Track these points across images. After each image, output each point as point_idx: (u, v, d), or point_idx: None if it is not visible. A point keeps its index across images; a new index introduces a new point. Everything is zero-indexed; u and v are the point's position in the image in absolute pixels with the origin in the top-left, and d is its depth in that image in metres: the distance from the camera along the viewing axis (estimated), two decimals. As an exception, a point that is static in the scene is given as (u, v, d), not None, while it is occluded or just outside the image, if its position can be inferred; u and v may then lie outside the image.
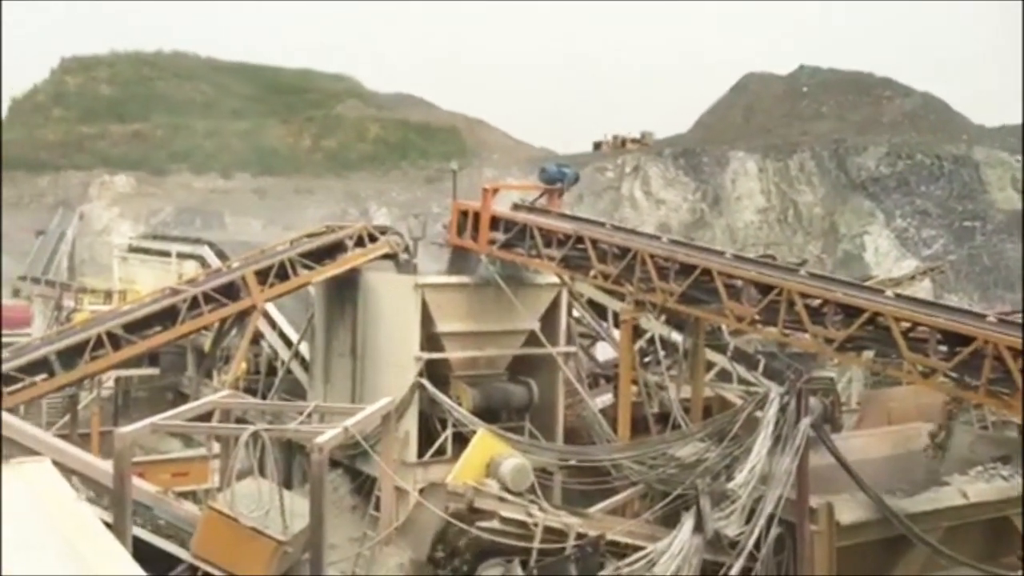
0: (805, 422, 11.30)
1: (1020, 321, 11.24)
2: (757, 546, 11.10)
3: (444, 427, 15.91)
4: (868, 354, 12.54)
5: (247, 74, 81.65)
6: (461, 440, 14.78)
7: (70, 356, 16.41)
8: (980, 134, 63.93)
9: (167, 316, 17.24)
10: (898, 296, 12.17)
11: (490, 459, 12.46)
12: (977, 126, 66.29)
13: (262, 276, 17.75)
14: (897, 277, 35.59)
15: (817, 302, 12.28)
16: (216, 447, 14.60)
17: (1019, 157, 58.77)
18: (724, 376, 19.72)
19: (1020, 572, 12.70)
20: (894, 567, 11.85)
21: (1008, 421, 17.44)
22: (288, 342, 20.81)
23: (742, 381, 19.47)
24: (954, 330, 10.83)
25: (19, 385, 15.98)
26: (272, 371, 21.16)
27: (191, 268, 25.81)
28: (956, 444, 13.19)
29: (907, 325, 11.37)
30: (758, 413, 11.76)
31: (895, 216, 59.21)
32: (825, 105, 70.22)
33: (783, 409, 11.50)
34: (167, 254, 29.38)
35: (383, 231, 19.14)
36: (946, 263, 48.15)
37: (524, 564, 10.19)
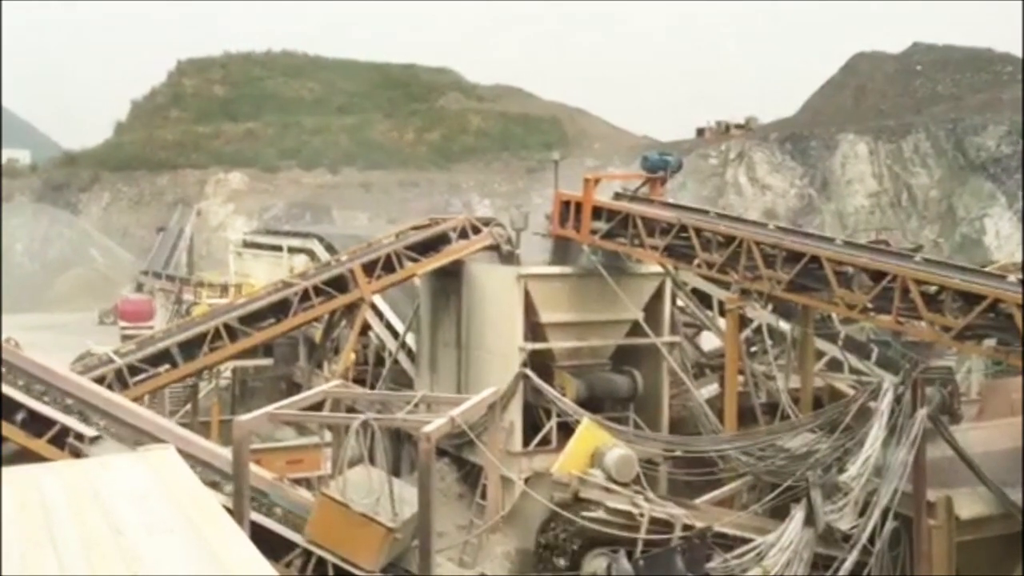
0: (921, 413, 10.94)
1: None
2: (871, 540, 10.80)
3: (548, 417, 15.95)
4: (989, 342, 12.03)
5: (352, 71, 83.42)
6: (566, 430, 14.80)
7: (190, 348, 17.15)
8: (1112, 109, 60.25)
9: (280, 309, 17.82)
10: (1021, 281, 11.63)
11: (595, 449, 12.45)
12: (1108, 100, 62.47)
13: (369, 269, 18.15)
14: (1020, 261, 33.95)
15: (933, 289, 11.85)
16: (328, 435, 15.02)
17: None
18: (834, 366, 19.20)
19: None
20: (1017, 564, 11.36)
21: None
22: (395, 333, 21.21)
23: (854, 371, 18.92)
24: (1083, 317, 10.30)
25: (144, 375, 16.77)
26: (380, 361, 21.61)
27: (302, 262, 26.56)
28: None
29: (1032, 312, 10.86)
30: (871, 404, 11.43)
31: (1017, 197, 56.44)
32: (941, 84, 67.47)
33: (898, 399, 11.15)
34: (279, 248, 30.30)
35: (486, 223, 19.31)
36: (1074, 246, 45.66)
37: (630, 555, 10.16)
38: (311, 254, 27.09)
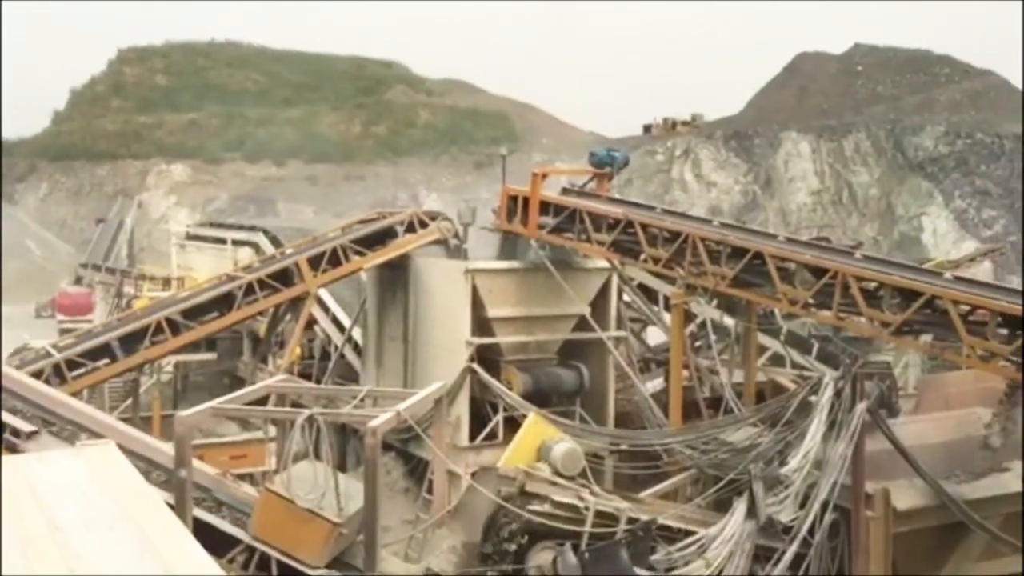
0: (861, 407, 11.17)
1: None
2: (811, 532, 11.01)
3: (495, 411, 15.99)
4: (926, 338, 12.33)
5: (297, 62, 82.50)
6: (512, 424, 14.85)
7: (131, 342, 16.83)
8: (1043, 112, 62.07)
9: (223, 302, 17.58)
10: (957, 279, 11.94)
11: (541, 443, 12.50)
12: (1040, 103, 64.35)
13: (315, 262, 17.99)
14: (956, 259, 34.87)
15: (873, 285, 12.10)
16: (272, 430, 14.86)
17: (1084, 135, 57.07)
18: (777, 360, 19.53)
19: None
20: (952, 554, 11.68)
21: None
22: (341, 327, 21.06)
23: (796, 365, 19.26)
24: (1015, 313, 10.60)
25: (83, 370, 16.42)
26: (325, 356, 21.45)
27: (246, 255, 26.22)
28: (1017, 429, 12.90)
29: (966, 308, 11.16)
30: (812, 398, 11.64)
31: (954, 197, 57.92)
32: (881, 84, 68.89)
33: (838, 394, 11.37)
34: (223, 241, 29.87)
35: (433, 217, 19.26)
36: (1007, 244, 47.04)
37: (575, 548, 10.22)
38: (256, 247, 26.77)
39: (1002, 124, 59.87)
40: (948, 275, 12.16)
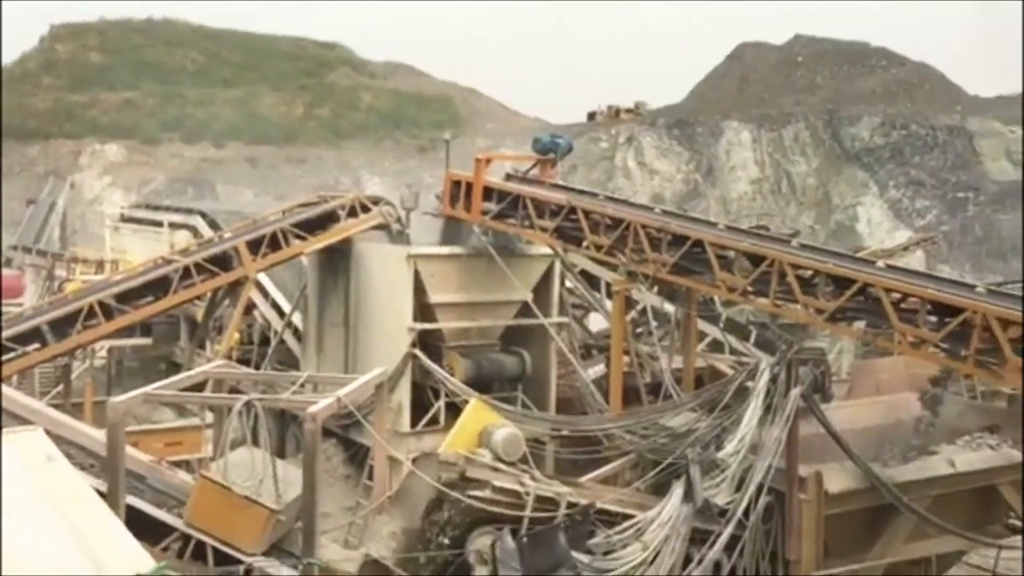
0: (795, 392, 11.38)
1: (1010, 292, 11.30)
2: (746, 514, 11.21)
3: (437, 397, 15.98)
4: (859, 325, 12.59)
5: (238, 42, 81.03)
6: (454, 410, 14.84)
7: (62, 326, 16.41)
8: (975, 105, 63.88)
9: (159, 286, 17.23)
10: (889, 267, 12.21)
11: (482, 429, 12.52)
12: (972, 96, 66.23)
13: (254, 246, 17.73)
14: (890, 248, 35.69)
15: (808, 273, 12.31)
16: (209, 417, 14.65)
17: (1014, 128, 58.73)
18: (716, 347, 19.82)
19: (1005, 540, 12.88)
20: (881, 535, 11.98)
21: (997, 391, 17.58)
22: (281, 312, 20.82)
23: (734, 352, 19.58)
24: (944, 301, 10.89)
25: (12, 355, 15.99)
26: (265, 341, 21.19)
27: (183, 238, 25.72)
28: (945, 414, 13.28)
29: (898, 296, 11.42)
30: (749, 383, 11.83)
31: (888, 187, 59.26)
32: (820, 75, 70.07)
33: (774, 379, 11.56)
34: (159, 224, 29.24)
35: (375, 201, 19.10)
36: (939, 234, 48.31)
37: (514, 532, 10.27)
38: (193, 230, 26.26)
39: (936, 116, 61.38)
40: (881, 263, 12.43)
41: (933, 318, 11.10)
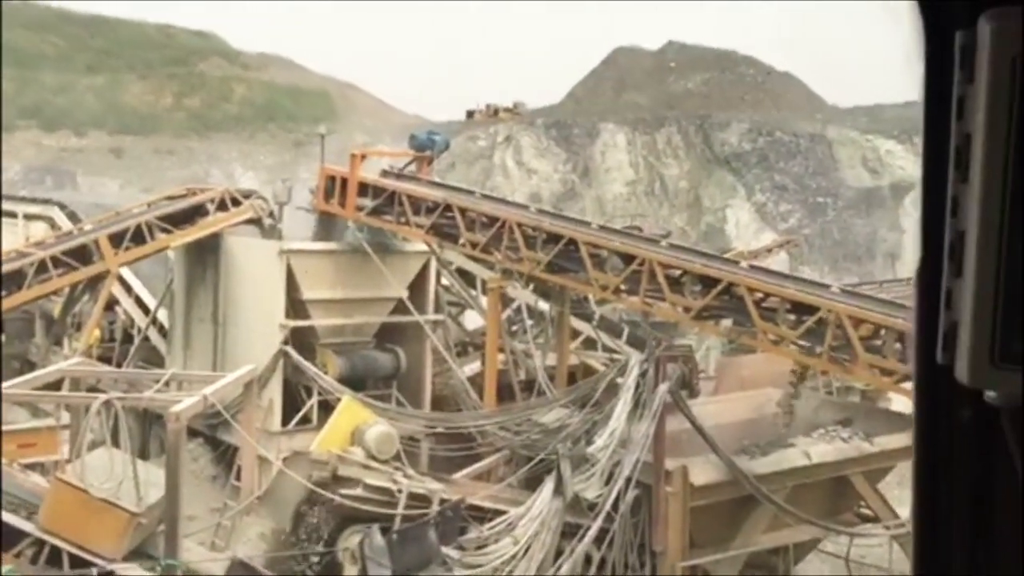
0: (662, 388, 11.70)
1: (863, 292, 11.94)
2: (615, 507, 11.45)
3: (309, 395, 15.71)
4: (726, 323, 13.05)
5: (102, 27, 77.53)
6: (327, 409, 14.62)
7: (-96, 322, 15.38)
8: (833, 114, 67.00)
9: (12, 280, 16.33)
10: (752, 267, 12.71)
11: (355, 427, 12.40)
12: (831, 106, 69.44)
13: (116, 239, 17.03)
14: (755, 250, 37.06)
15: (677, 272, 12.68)
16: (65, 417, 13.98)
17: (869, 137, 61.93)
18: (590, 344, 20.14)
19: (857, 528, 13.56)
20: (743, 525, 12.44)
21: (851, 386, 18.53)
22: (145, 308, 20.05)
23: (607, 349, 19.93)
24: (801, 300, 11.40)
25: None
26: (128, 338, 20.35)
27: (40, 230, 24.46)
28: (803, 408, 13.89)
29: (760, 295, 11.89)
30: (619, 379, 12.09)
31: (755, 191, 61.50)
32: (691, 81, 72.14)
33: (643, 375, 11.85)
34: (13, 215, 27.66)
35: (247, 195, 18.62)
36: (801, 237, 50.50)
37: (384, 530, 10.21)
38: (51, 222, 25.00)
39: (799, 123, 64.11)
40: (744, 264, 12.92)
41: (792, 316, 11.61)
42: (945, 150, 0.87)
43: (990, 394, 0.86)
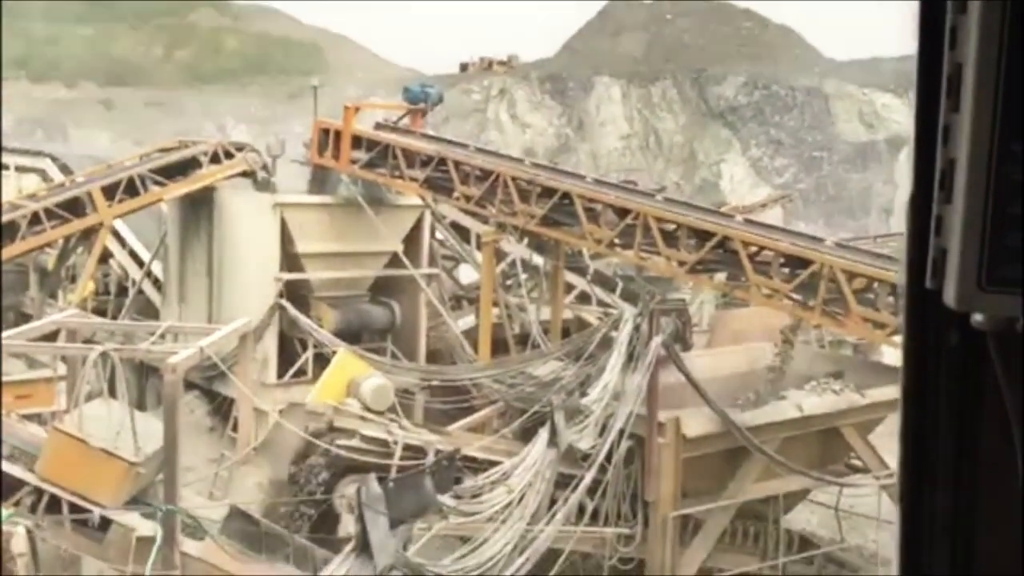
0: (656, 341, 11.77)
1: (857, 247, 11.98)
2: (608, 459, 11.59)
3: (305, 348, 15.79)
4: (720, 277, 13.10)
5: (91, -24, 76.32)
6: (323, 361, 14.71)
7: None
8: (830, 67, 66.52)
9: (6, 232, 16.29)
10: (747, 221, 12.73)
11: (351, 379, 12.48)
12: (828, 59, 68.90)
13: (110, 192, 16.97)
14: (749, 204, 37.06)
15: (671, 226, 12.71)
16: (62, 368, 14.04)
17: (866, 91, 61.57)
18: (584, 299, 20.22)
19: (847, 478, 13.75)
20: (735, 475, 12.60)
21: (843, 340, 18.65)
22: (140, 261, 20.03)
23: (601, 303, 20.02)
24: (795, 253, 11.45)
25: None
26: (123, 291, 20.36)
27: (32, 183, 24.33)
28: (796, 361, 13.99)
29: (754, 249, 11.93)
30: (613, 333, 12.16)
31: (750, 145, 61.31)
32: (687, 33, 71.43)
33: (636, 329, 11.92)
34: (6, 167, 27.49)
35: (240, 148, 18.53)
36: (796, 191, 50.43)
37: (381, 479, 10.33)
38: (43, 174, 24.86)
39: (795, 77, 63.67)
40: (739, 218, 12.94)
41: (786, 270, 11.66)
42: (938, 81, 0.89)
43: (977, 318, 0.89)
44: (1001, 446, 0.93)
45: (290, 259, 15.96)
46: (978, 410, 0.94)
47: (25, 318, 19.53)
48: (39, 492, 9.82)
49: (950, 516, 0.97)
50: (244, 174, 17.93)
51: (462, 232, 19.72)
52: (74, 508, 9.79)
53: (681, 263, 12.48)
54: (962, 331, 0.92)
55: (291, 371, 15.71)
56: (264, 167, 17.97)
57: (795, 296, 11.72)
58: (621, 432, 11.57)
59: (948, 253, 0.88)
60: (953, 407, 0.96)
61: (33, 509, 9.68)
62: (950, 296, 0.88)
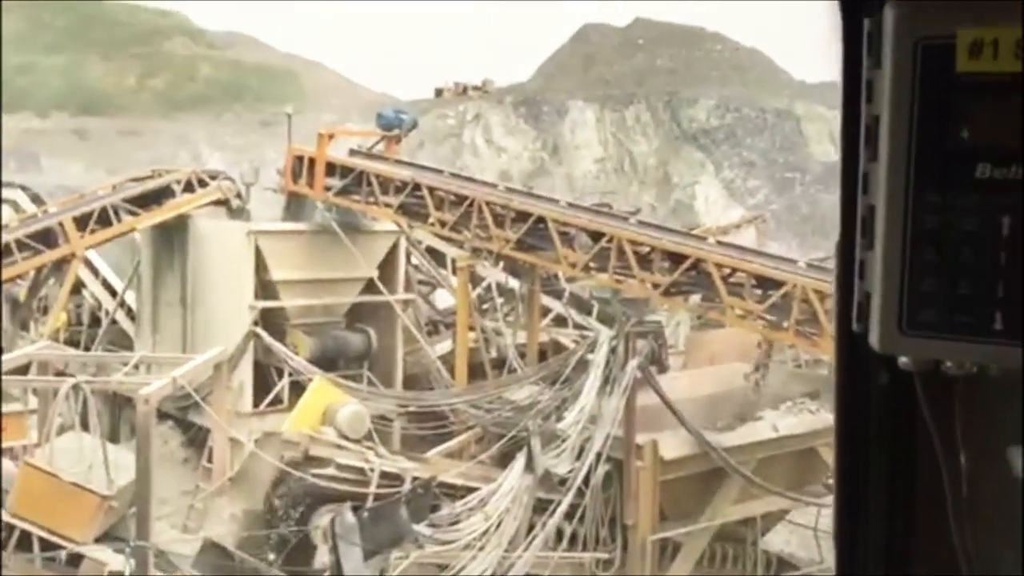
0: (632, 363, 11.79)
1: (829, 267, 12.07)
2: (586, 482, 11.56)
3: (280, 377, 15.68)
4: (695, 298, 13.16)
5: (62, 6, 76.10)
6: (299, 389, 14.61)
7: None
8: (801, 90, 67.31)
9: (-25, 264, 16.12)
10: (719, 243, 12.82)
11: (327, 407, 12.41)
12: (798, 82, 69.74)
13: (82, 222, 16.85)
14: (723, 226, 37.28)
15: (645, 249, 12.77)
16: (33, 402, 13.87)
17: (836, 112, 62.33)
18: (560, 322, 20.22)
19: (825, 498, 13.78)
20: (713, 497, 12.61)
21: (819, 360, 18.75)
22: (112, 291, 19.87)
23: (577, 326, 20.02)
24: (767, 275, 11.53)
25: None
26: (96, 322, 20.18)
27: (4, 214, 24.11)
28: (772, 382, 14.04)
29: (727, 271, 12.01)
30: (589, 356, 12.17)
31: (723, 167, 61.81)
32: (660, 58, 72.09)
33: (613, 351, 11.94)
34: (-24, 198, 27.24)
35: (214, 176, 18.47)
36: (768, 212, 50.82)
37: (356, 508, 10.26)
38: (14, 205, 24.64)
39: (766, 99, 64.39)
40: (711, 240, 13.03)
41: (759, 291, 11.75)
42: (859, 131, 0.92)
43: (903, 360, 0.91)
44: (931, 480, 0.94)
45: (265, 287, 15.89)
46: (911, 447, 0.96)
47: (-4, 350, 19.29)
48: (10, 528, 9.68)
49: (883, 548, 0.99)
50: (218, 202, 17.87)
51: (438, 257, 19.72)
52: (45, 544, 9.65)
53: (655, 285, 12.54)
54: (892, 371, 0.94)
55: (267, 400, 15.59)
56: (238, 195, 17.92)
57: (768, 316, 11.80)
58: (598, 456, 11.56)
59: (871, 297, 0.90)
60: (884, 445, 0.97)
61: (4, 545, 9.53)
62: (874, 339, 0.90)
